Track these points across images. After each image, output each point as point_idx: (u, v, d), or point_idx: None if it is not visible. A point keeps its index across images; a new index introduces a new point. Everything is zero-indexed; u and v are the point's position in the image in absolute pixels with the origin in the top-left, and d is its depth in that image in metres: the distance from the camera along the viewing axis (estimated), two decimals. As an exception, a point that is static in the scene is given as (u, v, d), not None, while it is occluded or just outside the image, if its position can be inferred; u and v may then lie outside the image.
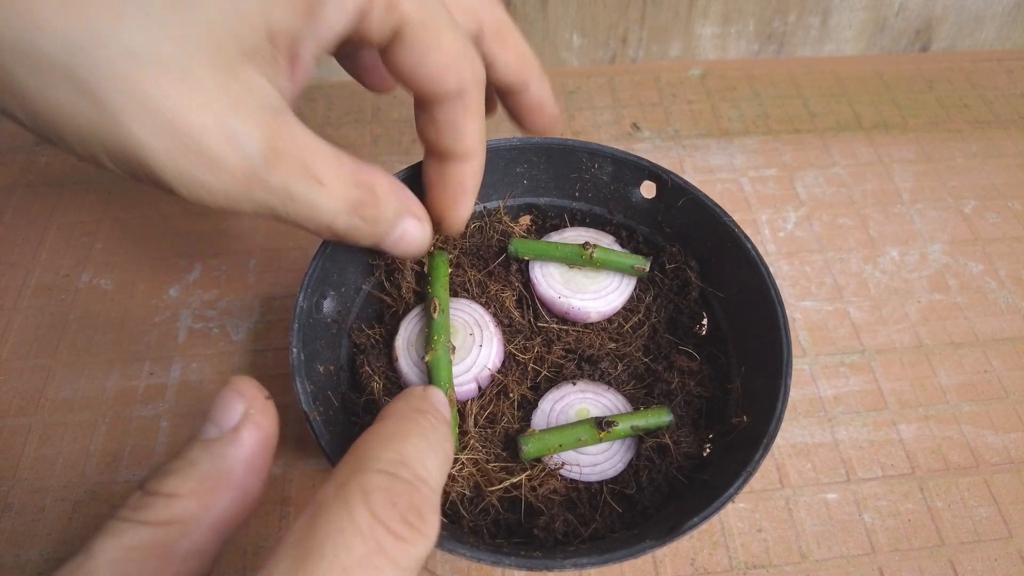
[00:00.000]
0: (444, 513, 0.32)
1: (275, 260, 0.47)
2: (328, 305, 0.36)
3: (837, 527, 0.38)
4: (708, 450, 0.33)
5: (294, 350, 0.32)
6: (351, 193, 0.25)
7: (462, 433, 0.33)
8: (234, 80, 0.21)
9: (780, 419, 0.31)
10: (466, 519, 0.32)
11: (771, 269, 0.34)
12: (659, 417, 0.33)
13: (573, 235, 0.39)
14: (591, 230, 0.40)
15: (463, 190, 0.31)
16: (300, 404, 0.31)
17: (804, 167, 0.53)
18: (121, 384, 0.42)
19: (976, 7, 0.59)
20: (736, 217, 0.37)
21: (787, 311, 0.34)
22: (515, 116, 0.35)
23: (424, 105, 0.29)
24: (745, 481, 0.30)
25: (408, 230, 0.29)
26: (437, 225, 0.33)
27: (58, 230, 0.48)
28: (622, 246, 0.40)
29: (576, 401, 0.35)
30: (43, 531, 0.37)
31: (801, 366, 0.43)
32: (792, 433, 0.41)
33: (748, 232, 0.37)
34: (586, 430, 0.32)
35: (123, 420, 0.40)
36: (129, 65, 0.19)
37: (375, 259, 0.38)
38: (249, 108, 0.21)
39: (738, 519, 0.38)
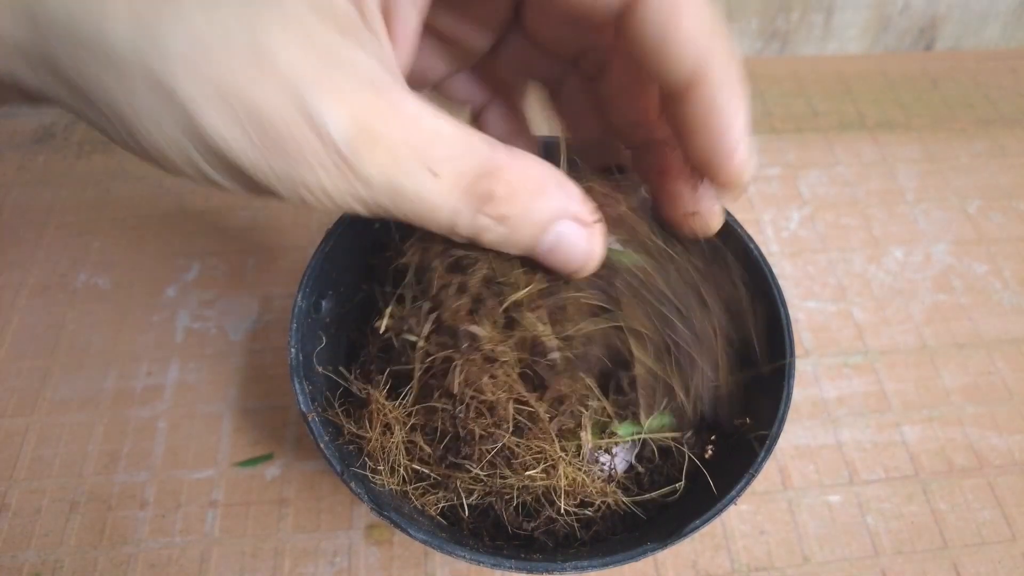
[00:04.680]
0: (443, 515, 0.32)
1: (274, 259, 0.47)
2: (327, 305, 0.35)
3: (840, 529, 0.37)
4: (710, 452, 0.32)
5: (292, 350, 0.32)
6: (476, 186, 0.20)
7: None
8: (315, 55, 0.17)
9: (783, 421, 0.31)
10: (466, 521, 0.32)
11: (774, 269, 0.34)
12: (660, 419, 0.33)
13: (574, 235, 0.39)
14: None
15: (732, 119, 0.21)
16: (298, 405, 0.30)
17: (807, 166, 0.53)
18: (119, 384, 0.41)
19: (980, 5, 0.59)
20: (739, 216, 0.37)
21: (790, 311, 0.33)
22: (677, 131, 0.23)
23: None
24: (748, 483, 0.29)
25: (564, 238, 0.22)
26: (712, 179, 0.23)
27: (56, 229, 0.48)
28: (623, 246, 0.39)
29: (577, 402, 0.34)
30: (40, 531, 0.36)
31: (804, 367, 0.43)
32: (795, 435, 0.40)
33: (751, 232, 0.36)
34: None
35: (121, 421, 0.40)
36: (197, 52, 0.16)
37: (375, 259, 0.37)
38: (336, 84, 0.17)
39: (740, 521, 0.37)
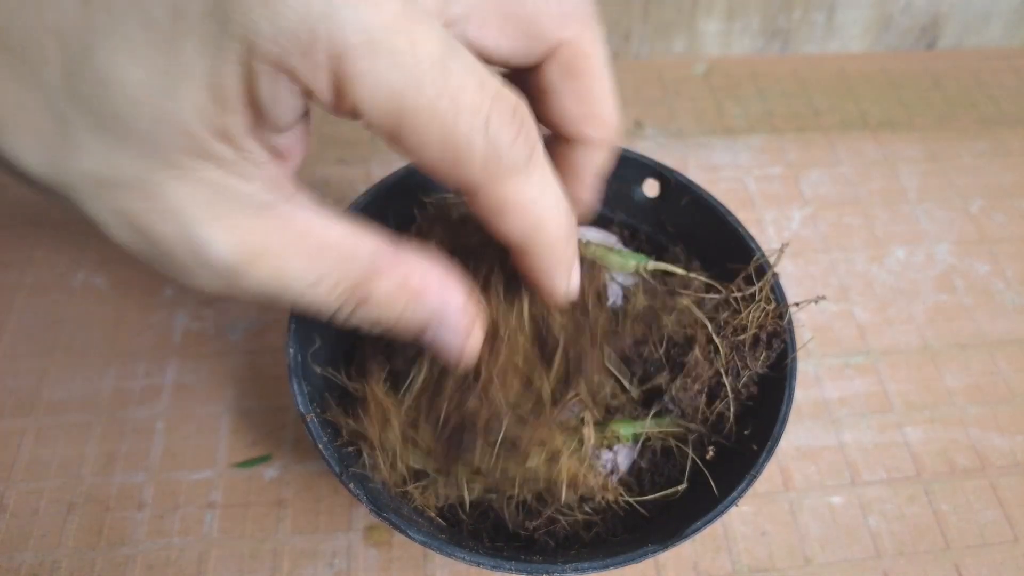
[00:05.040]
0: (442, 516, 0.31)
1: (273, 259, 0.46)
2: (326, 305, 0.35)
3: (842, 531, 0.37)
4: (711, 453, 0.32)
5: (291, 351, 0.32)
6: (353, 292, 0.22)
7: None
8: (200, 189, 0.20)
9: (784, 422, 0.31)
10: (465, 522, 0.32)
11: (776, 269, 0.34)
12: (661, 419, 0.33)
13: (575, 234, 0.39)
14: (592, 228, 0.40)
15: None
16: (297, 405, 0.30)
17: (809, 166, 0.53)
18: (117, 385, 0.41)
19: (982, 4, 0.58)
20: (740, 216, 0.37)
21: (792, 312, 0.33)
22: (547, 100, 0.26)
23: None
24: (749, 485, 0.29)
25: (439, 338, 0.25)
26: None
27: (54, 229, 0.48)
28: (624, 245, 0.39)
29: (577, 403, 0.34)
30: (37, 532, 0.36)
31: (805, 367, 0.43)
32: (797, 436, 0.40)
33: (752, 232, 0.36)
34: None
35: (118, 422, 0.40)
36: (98, 189, 0.19)
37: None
38: (221, 213, 0.20)
39: (742, 523, 0.37)
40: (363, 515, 0.37)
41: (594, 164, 0.26)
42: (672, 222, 0.38)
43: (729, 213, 0.36)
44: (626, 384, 0.32)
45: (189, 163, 0.19)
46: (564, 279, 0.26)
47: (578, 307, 0.30)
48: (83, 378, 0.42)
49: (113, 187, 0.19)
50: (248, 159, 0.21)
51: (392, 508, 0.28)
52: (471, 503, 0.32)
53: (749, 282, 0.33)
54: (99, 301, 0.45)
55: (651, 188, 0.39)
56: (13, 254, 0.47)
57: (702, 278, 0.34)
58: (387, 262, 0.22)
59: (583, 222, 0.28)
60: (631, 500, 0.31)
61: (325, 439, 0.30)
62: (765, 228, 0.49)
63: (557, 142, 0.26)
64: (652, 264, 0.35)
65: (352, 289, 0.22)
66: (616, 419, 0.32)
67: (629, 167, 0.38)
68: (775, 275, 0.33)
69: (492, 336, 0.28)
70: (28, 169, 0.19)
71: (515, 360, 0.28)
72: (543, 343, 0.29)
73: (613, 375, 0.32)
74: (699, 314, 0.32)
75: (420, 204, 0.37)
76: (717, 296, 0.33)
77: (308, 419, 0.30)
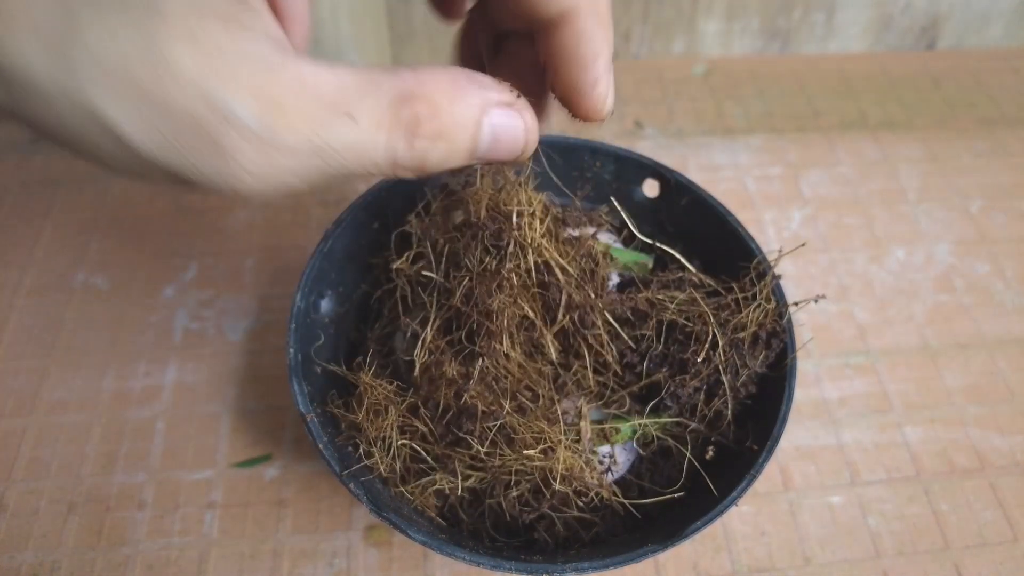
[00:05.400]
0: (442, 516, 0.31)
1: (273, 259, 0.46)
2: (326, 305, 0.35)
3: (841, 531, 0.37)
4: (711, 453, 0.32)
5: (291, 350, 0.32)
6: (399, 115, 0.21)
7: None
8: (206, 53, 0.18)
9: (784, 422, 0.31)
10: (465, 522, 0.32)
11: (776, 269, 0.34)
12: (659, 416, 0.33)
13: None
14: (592, 229, 0.40)
15: (594, 55, 0.23)
16: (297, 405, 0.30)
17: (809, 166, 0.53)
18: (117, 385, 0.41)
19: (982, 5, 0.58)
20: (740, 216, 0.37)
21: (792, 312, 0.33)
22: (547, 62, 0.25)
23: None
24: (748, 484, 0.29)
25: (499, 127, 0.23)
26: (575, 109, 0.25)
27: (54, 229, 0.48)
28: (624, 246, 0.39)
29: (577, 403, 0.34)
30: (38, 532, 0.36)
31: (805, 367, 0.43)
32: (796, 436, 0.40)
33: (752, 232, 0.36)
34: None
35: (118, 422, 0.40)
36: (105, 73, 0.18)
37: (373, 259, 0.37)
38: (232, 74, 0.19)
39: (741, 523, 0.37)
40: (363, 515, 0.37)
41: (590, 40, 0.23)
42: (672, 222, 0.38)
43: (729, 213, 0.36)
44: (621, 358, 0.32)
45: (194, 23, 0.18)
46: (605, 76, 0.23)
47: (583, 277, 0.31)
48: (83, 378, 0.42)
49: (123, 66, 0.18)
50: (254, 13, 0.20)
51: (392, 508, 0.28)
52: (470, 502, 0.32)
53: (749, 283, 0.33)
54: (99, 301, 0.45)
55: (651, 188, 0.39)
56: (14, 254, 0.47)
57: (703, 276, 0.34)
58: (413, 80, 0.21)
59: (599, 121, 0.26)
60: (626, 502, 0.31)
61: (325, 439, 0.30)
62: (765, 228, 0.49)
63: (544, 33, 0.24)
64: (659, 245, 0.35)
65: (394, 115, 0.21)
66: (614, 416, 0.32)
67: (629, 167, 0.39)
68: (775, 277, 0.33)
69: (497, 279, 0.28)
70: (30, 72, 0.18)
71: (520, 307, 0.28)
72: (547, 301, 0.30)
73: (613, 337, 0.32)
74: (702, 303, 0.32)
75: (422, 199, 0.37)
76: (718, 298, 0.33)
77: (308, 419, 0.30)
